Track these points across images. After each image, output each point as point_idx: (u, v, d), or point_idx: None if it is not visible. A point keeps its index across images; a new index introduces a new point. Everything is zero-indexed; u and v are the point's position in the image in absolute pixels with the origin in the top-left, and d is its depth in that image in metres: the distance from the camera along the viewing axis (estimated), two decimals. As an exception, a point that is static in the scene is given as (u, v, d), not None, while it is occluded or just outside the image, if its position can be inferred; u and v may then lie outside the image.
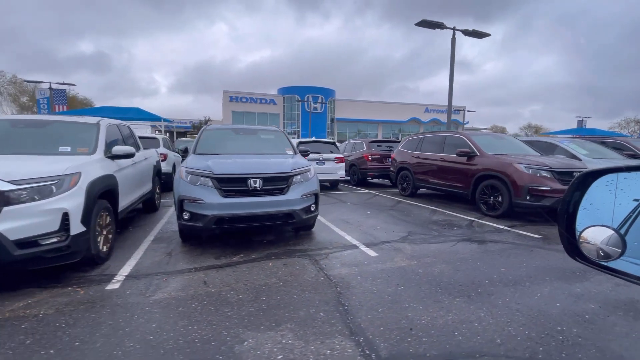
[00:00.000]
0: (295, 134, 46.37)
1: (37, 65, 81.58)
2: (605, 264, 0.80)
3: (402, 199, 8.80)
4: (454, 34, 10.93)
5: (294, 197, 4.37)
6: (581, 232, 0.84)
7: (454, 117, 55.48)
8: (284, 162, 4.67)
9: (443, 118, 54.33)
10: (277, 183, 4.36)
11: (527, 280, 3.38)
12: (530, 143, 9.00)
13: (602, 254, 0.79)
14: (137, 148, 6.07)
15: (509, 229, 5.58)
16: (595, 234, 0.80)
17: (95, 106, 37.96)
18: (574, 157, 7.82)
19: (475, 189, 6.89)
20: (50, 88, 22.36)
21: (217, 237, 4.84)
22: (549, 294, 3.06)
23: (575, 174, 5.94)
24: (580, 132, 31.77)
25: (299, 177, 4.55)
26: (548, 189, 5.79)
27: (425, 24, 10.22)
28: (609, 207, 0.82)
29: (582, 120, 36.96)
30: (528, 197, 5.89)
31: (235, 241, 4.70)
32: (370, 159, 11.44)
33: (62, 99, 22.72)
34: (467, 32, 10.87)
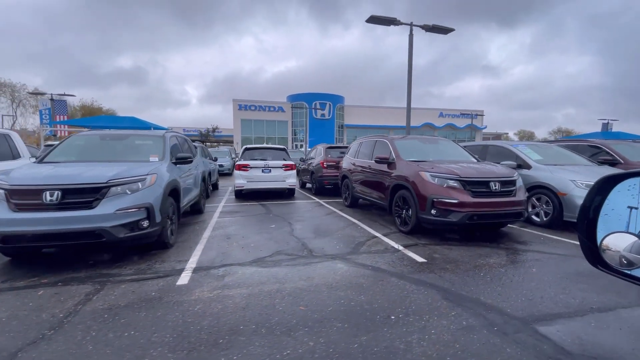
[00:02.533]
0: (303, 141, 46.02)
1: (81, 80, 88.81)
2: (629, 272, 0.75)
3: (339, 209, 7.97)
4: (411, 30, 9.97)
5: (104, 212, 3.76)
6: (603, 239, 0.80)
7: (471, 121, 53.13)
8: (107, 170, 4.08)
9: (459, 123, 52.13)
10: (83, 195, 3.77)
11: (304, 326, 2.55)
12: (485, 148, 7.95)
13: (625, 262, 0.74)
14: None
15: (401, 249, 4.67)
16: (617, 241, 0.76)
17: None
18: (524, 162, 6.71)
19: (391, 201, 5.99)
20: (51, 99, 23.32)
21: (47, 254, 4.32)
22: (298, 353, 2.24)
23: (492, 184, 4.95)
24: (604, 135, 29.21)
25: (121, 187, 3.95)
26: (455, 201, 4.82)
27: (376, 20, 9.37)
28: (631, 213, 0.76)
29: (608, 123, 34.00)
30: (433, 212, 4.95)
31: (59, 260, 4.16)
32: (325, 166, 10.66)
33: (62, 110, 23.62)
34: (427, 28, 9.88)
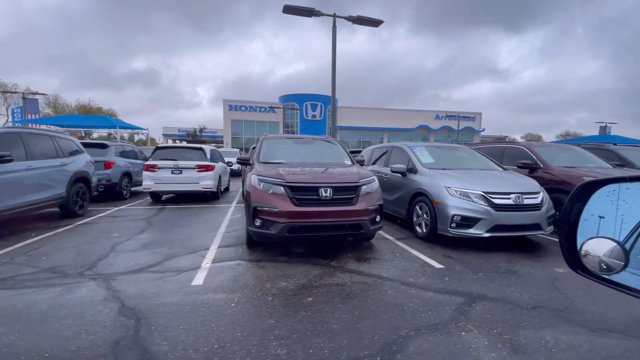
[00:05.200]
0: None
1: (95, 82, 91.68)
2: (608, 277, 0.77)
3: (235, 217, 7.26)
4: (334, 22, 9.16)
5: None
6: (582, 244, 0.82)
7: (469, 124, 51.86)
8: None
9: (456, 125, 50.77)
10: None
11: None
12: (390, 149, 7.14)
13: (605, 267, 0.76)
14: None
15: (205, 266, 3.93)
16: (597, 246, 0.78)
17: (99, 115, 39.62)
18: (413, 166, 5.88)
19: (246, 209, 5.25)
20: (23, 98, 23.25)
21: None
22: None
23: (322, 191, 4.16)
24: (602, 138, 27.91)
25: None
26: (275, 210, 4.05)
27: (292, 10, 8.63)
28: (611, 219, 0.78)
29: (606, 126, 32.41)
30: (257, 222, 4.18)
31: None
32: (249, 168, 9.94)
33: (34, 109, 23.54)
34: (352, 19, 9.05)
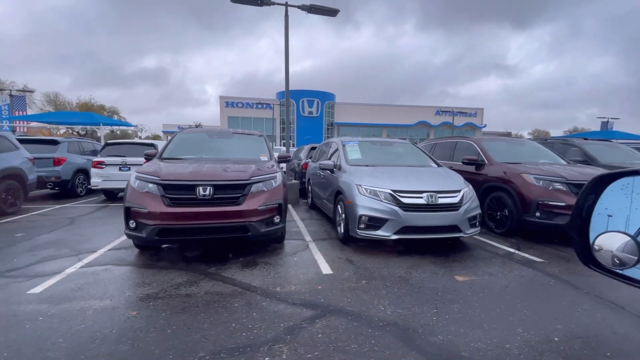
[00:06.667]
0: (290, 139, 45.02)
1: (107, 80, 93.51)
2: (621, 271, 0.74)
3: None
4: (286, 11, 8.69)
5: None
6: (595, 238, 0.79)
7: (470, 119, 50.82)
8: None
9: (456, 121, 49.79)
10: None
11: None
12: (330, 145, 6.73)
13: (618, 262, 0.74)
14: None
15: (67, 271, 3.61)
16: (610, 240, 0.75)
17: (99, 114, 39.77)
18: (340, 162, 5.48)
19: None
20: (10, 95, 23.33)
21: None
22: None
23: (200, 189, 3.79)
24: (603, 134, 26.98)
25: None
26: (144, 211, 3.70)
27: (239, -1, 8.24)
28: (624, 212, 0.75)
29: (608, 122, 31.28)
30: (132, 224, 3.83)
31: None
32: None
33: (22, 105, 23.62)
34: (305, 8, 8.58)
